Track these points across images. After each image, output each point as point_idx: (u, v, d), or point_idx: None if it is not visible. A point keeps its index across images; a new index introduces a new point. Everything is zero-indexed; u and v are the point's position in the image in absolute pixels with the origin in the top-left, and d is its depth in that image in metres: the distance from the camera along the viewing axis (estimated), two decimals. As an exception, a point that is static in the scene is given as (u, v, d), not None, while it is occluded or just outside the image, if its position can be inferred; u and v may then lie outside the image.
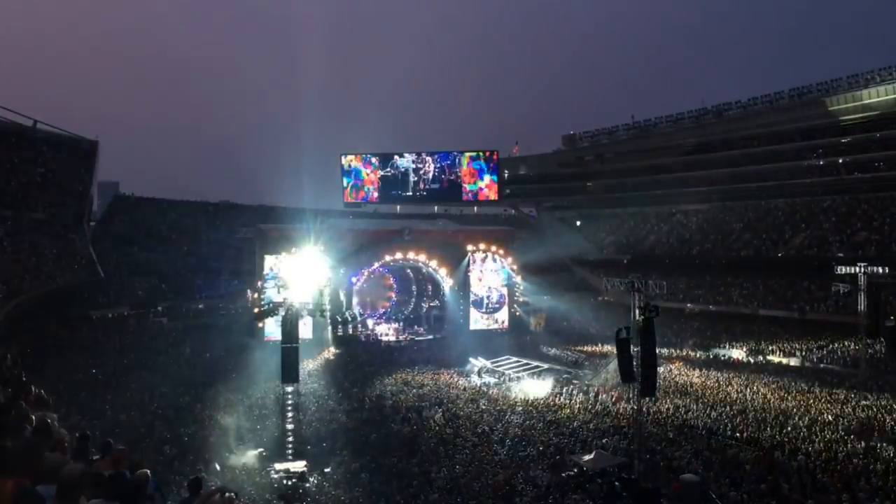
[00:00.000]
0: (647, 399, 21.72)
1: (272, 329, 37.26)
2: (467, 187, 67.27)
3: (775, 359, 38.74)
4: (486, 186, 66.74)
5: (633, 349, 20.99)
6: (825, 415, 25.06)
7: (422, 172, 66.63)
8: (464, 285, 48.58)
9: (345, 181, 66.31)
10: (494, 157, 67.29)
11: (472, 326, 48.25)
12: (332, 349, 41.30)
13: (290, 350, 22.27)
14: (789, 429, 23.08)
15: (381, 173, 66.21)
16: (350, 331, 46.45)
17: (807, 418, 24.51)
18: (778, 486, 17.42)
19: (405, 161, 66.58)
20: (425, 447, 21.49)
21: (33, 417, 5.75)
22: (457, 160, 67.13)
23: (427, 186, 66.99)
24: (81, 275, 39.12)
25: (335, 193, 66.89)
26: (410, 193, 66.88)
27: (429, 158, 66.92)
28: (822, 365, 36.80)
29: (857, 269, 31.11)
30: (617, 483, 18.54)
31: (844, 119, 48.48)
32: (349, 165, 66.51)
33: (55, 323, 36.60)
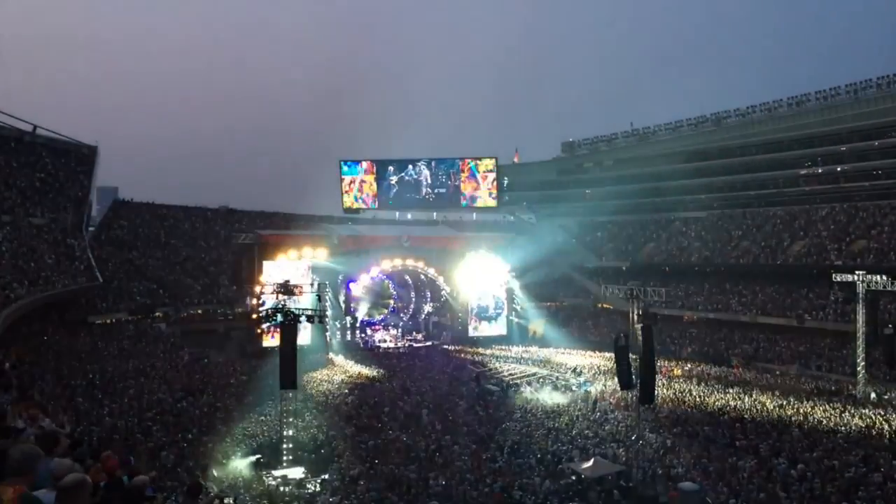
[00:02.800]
0: (646, 406, 21.72)
1: (270, 335, 37.29)
2: (467, 194, 67.42)
3: (774, 366, 38.73)
4: (483, 189, 67.04)
5: (632, 356, 21.04)
6: (824, 423, 25.05)
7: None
8: (462, 292, 48.64)
9: (346, 184, 66.39)
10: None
11: (471, 333, 48.31)
12: (331, 355, 41.25)
13: (288, 355, 22.26)
14: (788, 437, 23.06)
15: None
16: (349, 337, 46.53)
17: (805, 427, 24.51)
18: (776, 495, 17.41)
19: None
20: (423, 454, 21.45)
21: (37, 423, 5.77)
22: (458, 167, 67.31)
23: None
24: (80, 280, 39.04)
25: (334, 199, 67.07)
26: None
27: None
28: (820, 373, 36.81)
29: (856, 277, 31.13)
30: (615, 491, 18.52)
31: (843, 127, 48.63)
32: (357, 170, 66.69)
33: (54, 328, 36.57)
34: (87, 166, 48.10)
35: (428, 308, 52.75)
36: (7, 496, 3.32)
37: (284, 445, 21.40)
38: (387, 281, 53.14)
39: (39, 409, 7.65)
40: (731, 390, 31.71)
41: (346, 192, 66.78)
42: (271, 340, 37.26)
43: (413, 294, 54.38)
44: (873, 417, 25.94)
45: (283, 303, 24.19)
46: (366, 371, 37.02)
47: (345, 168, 66.94)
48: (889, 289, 29.96)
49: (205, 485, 15.51)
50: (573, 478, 19.31)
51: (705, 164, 57.63)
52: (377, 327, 51.51)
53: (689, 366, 39.06)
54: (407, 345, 47.70)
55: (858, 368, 31.61)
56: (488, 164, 67.38)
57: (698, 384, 33.47)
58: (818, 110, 50.79)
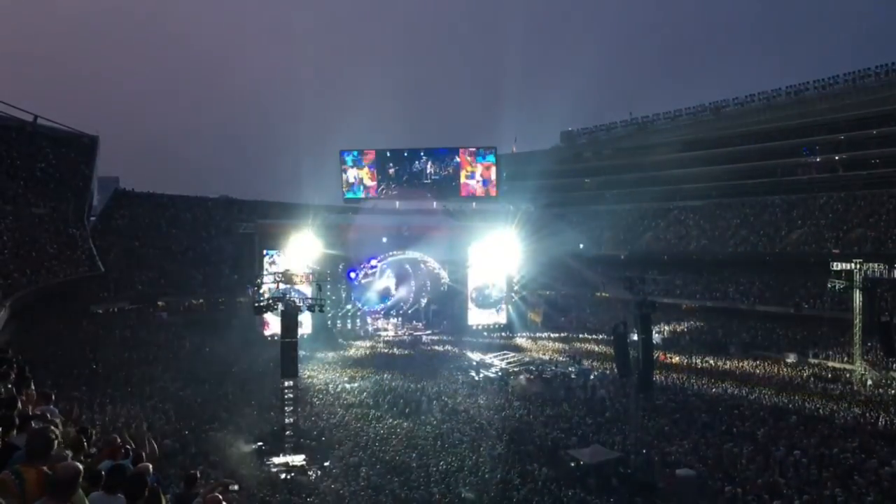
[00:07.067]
0: (644, 394, 21.92)
1: (272, 324, 37.47)
2: (466, 184, 67.36)
3: (771, 354, 38.94)
4: (482, 179, 67.05)
5: (631, 346, 21.23)
6: (821, 410, 25.28)
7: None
8: (462, 281, 48.77)
9: (346, 174, 66.42)
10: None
11: (471, 321, 48.46)
12: (332, 344, 41.42)
13: (289, 345, 22.44)
14: (785, 424, 23.27)
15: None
16: (349, 326, 46.75)
17: (803, 414, 24.73)
18: (773, 481, 17.61)
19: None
20: (424, 442, 21.66)
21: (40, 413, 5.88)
22: (457, 157, 67.22)
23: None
24: (82, 270, 39.15)
25: (334, 189, 67.00)
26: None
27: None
28: (818, 360, 37.01)
29: (854, 265, 31.24)
30: (613, 477, 18.73)
31: (841, 116, 48.63)
32: (352, 162, 66.68)
33: (56, 318, 36.69)
34: (89, 156, 48.15)
35: (428, 297, 52.87)
36: (30, 477, 3.41)
37: (286, 433, 21.61)
38: (387, 270, 53.22)
39: (42, 399, 7.73)
40: (728, 378, 31.94)
41: (346, 181, 66.74)
42: (272, 329, 37.50)
43: (413, 283, 54.48)
44: (869, 405, 26.19)
45: (283, 292, 24.34)
46: (366, 360, 37.21)
47: (345, 158, 66.85)
48: (886, 277, 30.11)
49: (207, 472, 15.72)
50: (572, 464, 19.53)
51: (704, 153, 57.66)
52: (377, 316, 51.63)
53: (686, 354, 39.27)
54: (407, 334, 47.88)
55: (856, 356, 31.82)
56: (487, 154, 67.28)
57: (696, 372, 33.70)
58: (817, 99, 50.78)
